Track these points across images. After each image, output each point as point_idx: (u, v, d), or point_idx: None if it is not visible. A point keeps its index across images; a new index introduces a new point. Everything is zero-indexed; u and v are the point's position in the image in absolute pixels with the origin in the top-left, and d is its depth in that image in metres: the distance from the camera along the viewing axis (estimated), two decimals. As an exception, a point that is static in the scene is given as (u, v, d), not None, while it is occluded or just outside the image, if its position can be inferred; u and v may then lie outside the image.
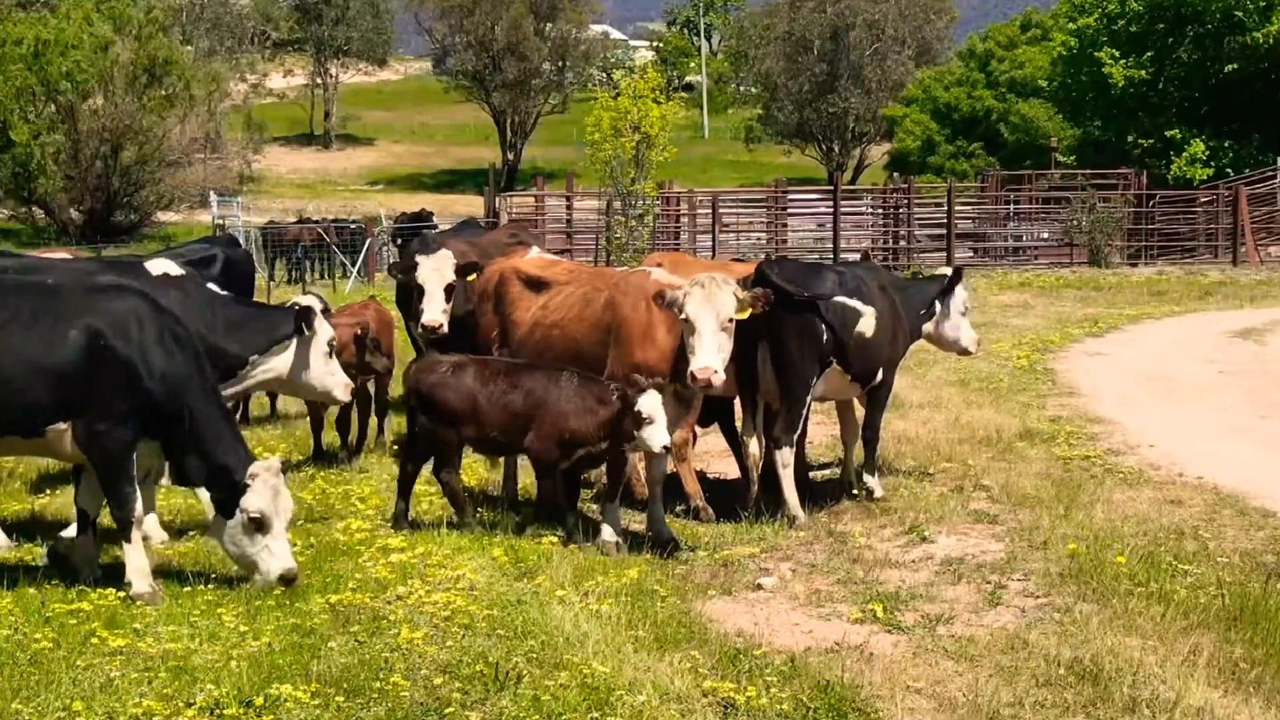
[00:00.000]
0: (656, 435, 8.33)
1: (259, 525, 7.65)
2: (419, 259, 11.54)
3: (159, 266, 10.05)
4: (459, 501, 9.07)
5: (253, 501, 7.63)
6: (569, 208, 36.11)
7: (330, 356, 9.26)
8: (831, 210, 35.20)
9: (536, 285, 10.03)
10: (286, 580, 7.62)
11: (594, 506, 9.74)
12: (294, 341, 9.08)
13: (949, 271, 11.04)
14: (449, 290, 11.37)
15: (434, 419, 8.87)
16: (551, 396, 8.63)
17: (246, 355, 8.97)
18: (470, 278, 11.22)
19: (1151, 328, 21.80)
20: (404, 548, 8.37)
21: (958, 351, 11.12)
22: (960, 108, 57.12)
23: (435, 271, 11.36)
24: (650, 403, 8.31)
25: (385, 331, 12.00)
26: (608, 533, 8.75)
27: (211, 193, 48.00)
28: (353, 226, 41.05)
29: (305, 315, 9.11)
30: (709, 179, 65.76)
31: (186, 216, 54.49)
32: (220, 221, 42.81)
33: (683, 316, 8.64)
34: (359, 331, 11.02)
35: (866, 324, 9.48)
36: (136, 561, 7.62)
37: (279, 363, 9.07)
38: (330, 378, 9.29)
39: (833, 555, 8.67)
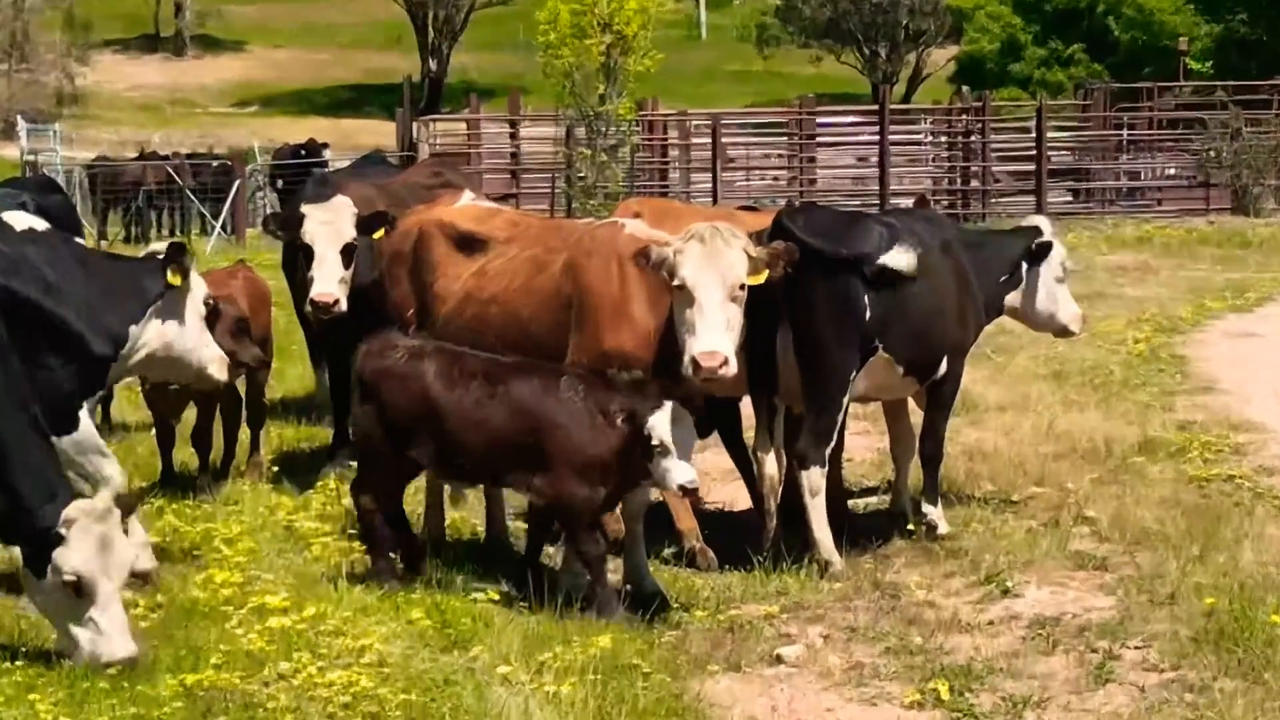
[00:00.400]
0: (675, 470, 8.23)
1: (79, 590, 7.56)
2: (307, 209, 11.53)
3: (20, 220, 10.02)
4: (377, 542, 9.07)
5: (68, 558, 7.54)
6: (514, 137, 36.02)
7: (204, 319, 9.39)
8: (877, 138, 35.17)
9: (469, 244, 10.02)
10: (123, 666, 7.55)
11: (549, 550, 9.66)
12: (162, 301, 9.13)
13: (1041, 222, 11.00)
14: (348, 252, 11.39)
15: (371, 421, 8.92)
16: (550, 411, 8.49)
17: (126, 329, 8.96)
18: (378, 235, 11.24)
19: (1321, 298, 21.81)
20: (287, 608, 8.35)
21: (1055, 332, 11.15)
22: (1054, -4, 57.18)
23: (329, 226, 11.37)
24: (662, 422, 8.21)
25: (259, 309, 11.97)
26: (569, 585, 8.75)
27: (19, 118, 47.80)
28: (215, 164, 40.90)
29: (177, 258, 9.11)
30: (708, 96, 65.63)
31: (-15, 151, 54.31)
32: (31, 158, 42.62)
33: (676, 282, 8.64)
34: (218, 308, 10.97)
35: (900, 258, 9.46)
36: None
37: (151, 333, 9.10)
38: (206, 349, 9.40)
39: (880, 615, 8.69)
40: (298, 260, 11.77)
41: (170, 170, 39.63)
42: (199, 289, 9.33)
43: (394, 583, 8.88)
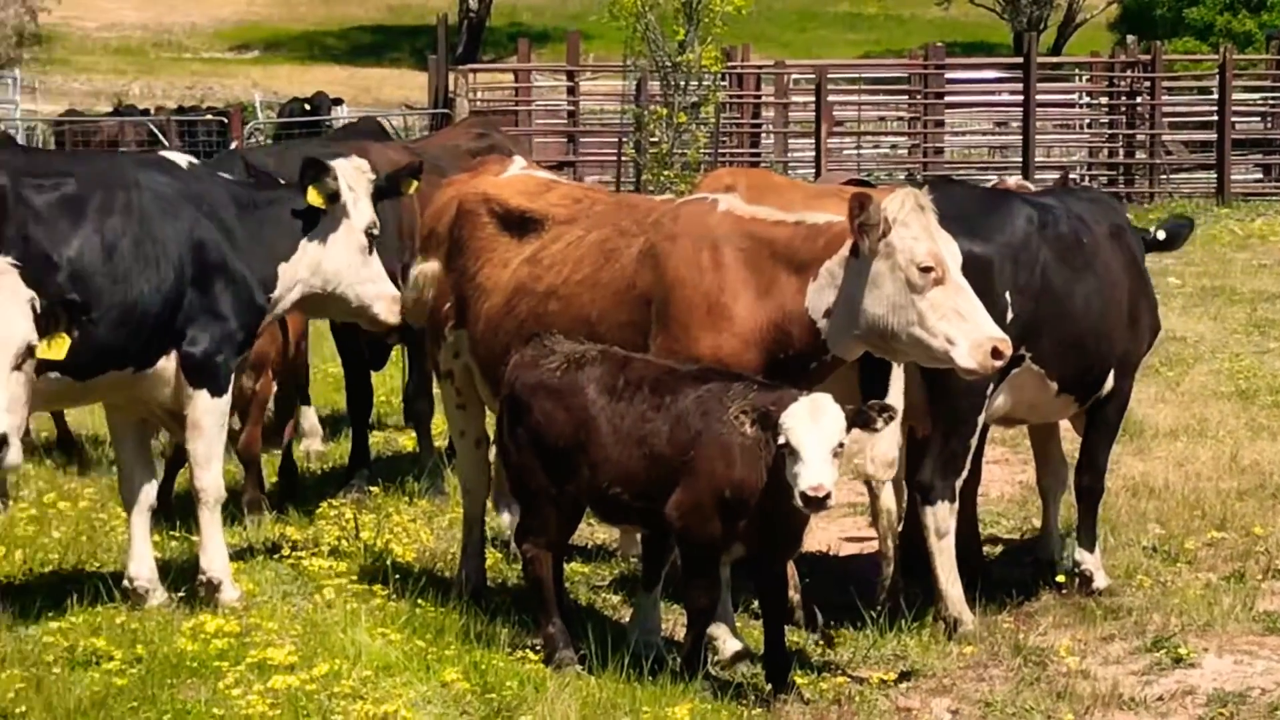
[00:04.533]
0: (803, 474, 8.02)
1: None
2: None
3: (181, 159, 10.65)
4: (546, 599, 8.99)
5: None
6: (572, 91, 36.03)
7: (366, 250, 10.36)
8: (1020, 99, 34.97)
9: (520, 224, 9.95)
10: None
11: (614, 598, 10.07)
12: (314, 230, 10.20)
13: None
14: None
15: (523, 451, 8.97)
16: (713, 425, 8.39)
17: (276, 268, 10.07)
18: (410, 189, 11.18)
19: None
20: (294, 665, 8.39)
21: None
22: (1247, -79, 56.82)
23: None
24: (801, 418, 8.06)
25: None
26: (640, 643, 8.88)
27: (-29, 64, 48.20)
28: (207, 120, 40.97)
29: (316, 176, 10.06)
30: (810, 45, 65.56)
31: (-71, 102, 54.79)
32: (-15, 112, 42.93)
33: (923, 262, 8.51)
34: None
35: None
36: None
37: (303, 269, 10.15)
38: (368, 286, 10.34)
39: (1022, 687, 8.72)
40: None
41: (153, 128, 39.52)
42: (360, 214, 10.17)
43: (567, 654, 8.85)
